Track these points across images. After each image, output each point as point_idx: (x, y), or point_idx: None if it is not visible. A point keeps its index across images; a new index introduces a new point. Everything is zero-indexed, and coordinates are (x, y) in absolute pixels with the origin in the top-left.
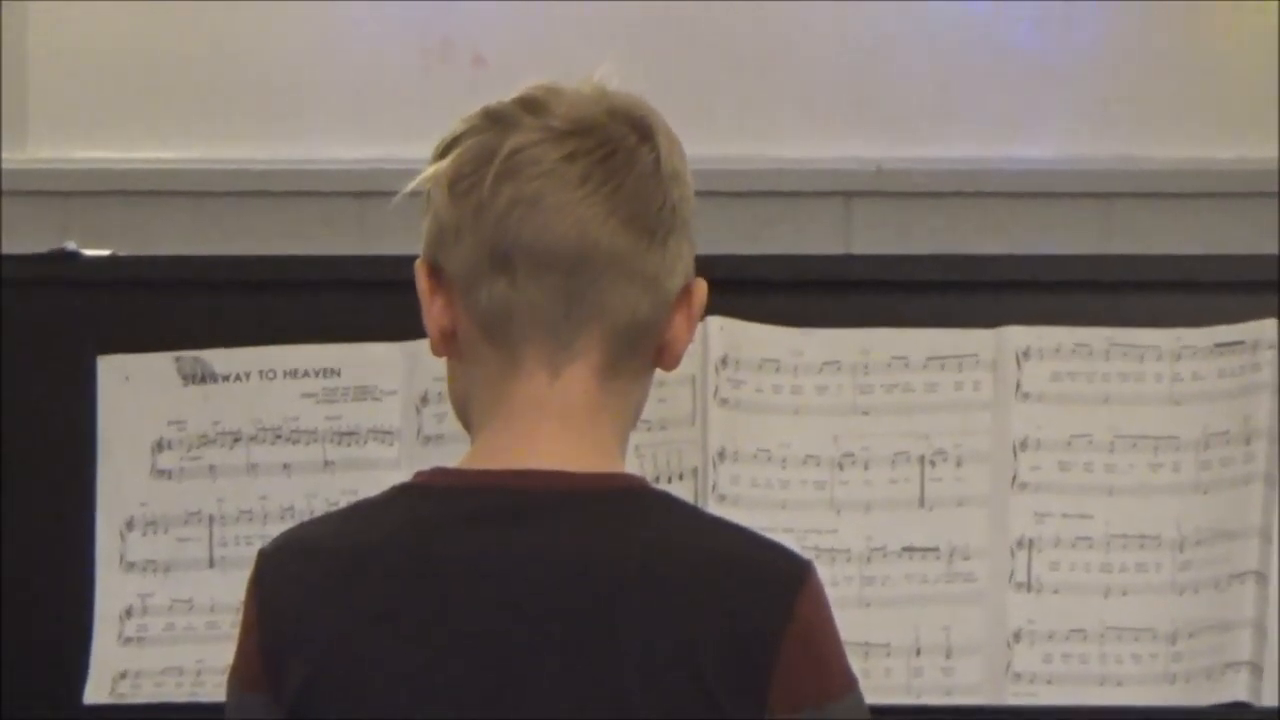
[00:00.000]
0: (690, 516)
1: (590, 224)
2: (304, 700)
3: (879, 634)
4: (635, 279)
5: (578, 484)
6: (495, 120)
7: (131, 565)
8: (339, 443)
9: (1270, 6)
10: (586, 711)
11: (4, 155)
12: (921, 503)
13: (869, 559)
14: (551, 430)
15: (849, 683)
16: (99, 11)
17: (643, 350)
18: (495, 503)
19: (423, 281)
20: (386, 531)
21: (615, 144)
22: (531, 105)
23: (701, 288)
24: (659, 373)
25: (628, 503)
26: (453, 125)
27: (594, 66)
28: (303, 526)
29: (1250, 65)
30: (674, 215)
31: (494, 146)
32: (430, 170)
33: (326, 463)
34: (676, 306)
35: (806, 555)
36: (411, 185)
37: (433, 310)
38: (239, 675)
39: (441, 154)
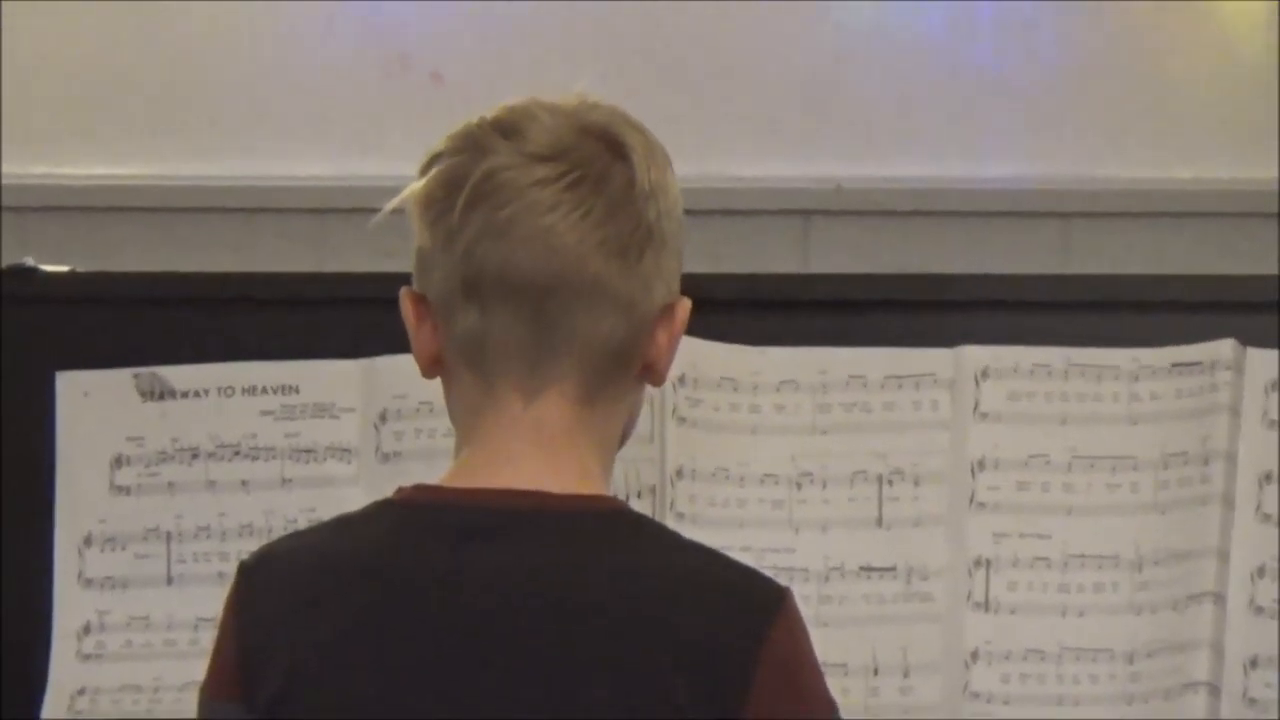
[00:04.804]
0: (667, 540)
1: (559, 252)
2: (277, 709)
3: (836, 654)
4: (609, 304)
5: (556, 504)
6: (471, 143)
7: (90, 582)
8: (297, 460)
9: (1223, 31)
10: None
11: None
12: (879, 522)
13: (827, 578)
14: (527, 453)
15: (827, 709)
16: (56, 28)
17: (623, 373)
18: (474, 521)
19: (408, 308)
20: (368, 546)
21: (585, 167)
22: (506, 129)
23: (685, 307)
24: None
25: (605, 524)
26: (437, 142)
27: (552, 84)
28: (284, 540)
29: (1208, 86)
30: (650, 234)
31: (465, 172)
32: (407, 190)
33: (285, 480)
34: (658, 324)
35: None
36: (392, 204)
37: (420, 336)
38: (212, 683)
39: (422, 171)
